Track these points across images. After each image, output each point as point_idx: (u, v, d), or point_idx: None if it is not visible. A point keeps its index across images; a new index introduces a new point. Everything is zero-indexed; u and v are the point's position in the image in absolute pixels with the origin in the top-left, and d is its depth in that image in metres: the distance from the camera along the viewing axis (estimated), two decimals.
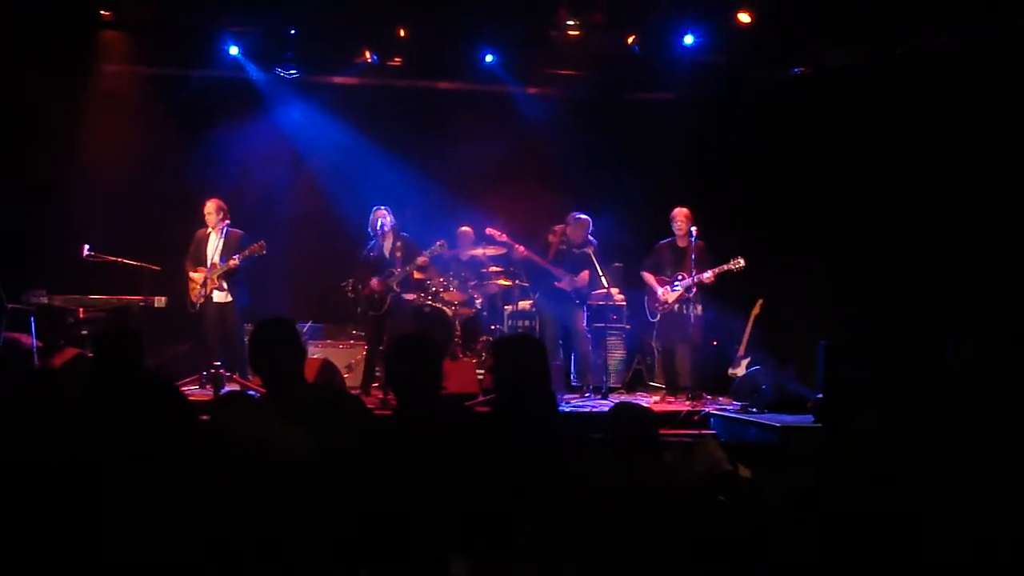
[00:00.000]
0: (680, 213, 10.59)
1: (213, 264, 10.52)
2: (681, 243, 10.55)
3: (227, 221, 10.63)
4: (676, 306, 10.52)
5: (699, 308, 10.42)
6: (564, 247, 10.69)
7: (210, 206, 10.62)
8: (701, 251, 10.40)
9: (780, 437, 8.59)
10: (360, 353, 11.01)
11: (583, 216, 10.71)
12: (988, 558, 3.07)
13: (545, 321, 11.00)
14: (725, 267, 10.28)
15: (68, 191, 11.51)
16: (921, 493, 3.20)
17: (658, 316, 10.69)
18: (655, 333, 10.89)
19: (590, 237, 10.70)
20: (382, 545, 3.42)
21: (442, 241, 10.87)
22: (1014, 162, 9.30)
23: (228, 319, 10.57)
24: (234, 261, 10.41)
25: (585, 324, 10.95)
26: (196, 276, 10.55)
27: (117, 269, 10.74)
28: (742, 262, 10.23)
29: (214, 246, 10.59)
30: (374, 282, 10.59)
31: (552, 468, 3.44)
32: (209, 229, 10.63)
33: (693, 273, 10.27)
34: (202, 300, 10.50)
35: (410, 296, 11.04)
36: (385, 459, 3.80)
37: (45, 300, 10.35)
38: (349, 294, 10.89)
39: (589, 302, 11.13)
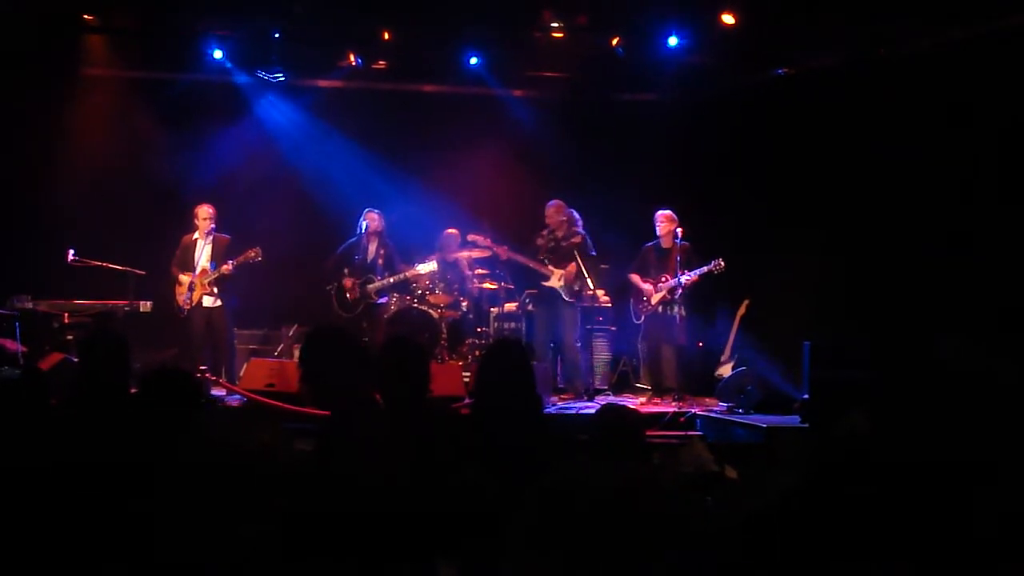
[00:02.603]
0: (663, 216, 10.59)
1: (203, 270, 10.47)
2: (665, 244, 10.55)
3: (213, 225, 10.60)
4: (660, 308, 10.53)
5: (682, 310, 10.40)
6: (552, 243, 10.68)
7: (204, 211, 10.54)
8: (686, 253, 10.40)
9: (767, 438, 8.61)
10: None
11: (553, 201, 10.70)
12: (975, 557, 3.09)
13: (534, 322, 11.01)
14: (706, 269, 10.28)
15: (52, 196, 11.47)
16: (906, 493, 3.21)
17: (642, 318, 10.71)
18: (640, 335, 10.91)
19: (576, 228, 10.65)
20: (369, 548, 3.42)
21: (434, 264, 10.92)
22: (998, 163, 9.34)
23: (217, 323, 10.54)
24: (228, 267, 10.37)
25: (576, 330, 10.73)
26: (184, 281, 10.49)
27: (102, 273, 10.72)
28: (722, 264, 10.23)
29: (202, 251, 10.55)
30: (347, 281, 10.67)
31: (538, 470, 3.44)
32: (196, 234, 10.60)
33: (678, 274, 10.28)
34: (190, 305, 10.45)
35: (383, 300, 11.03)
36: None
37: (30, 305, 10.33)
38: (334, 298, 10.90)
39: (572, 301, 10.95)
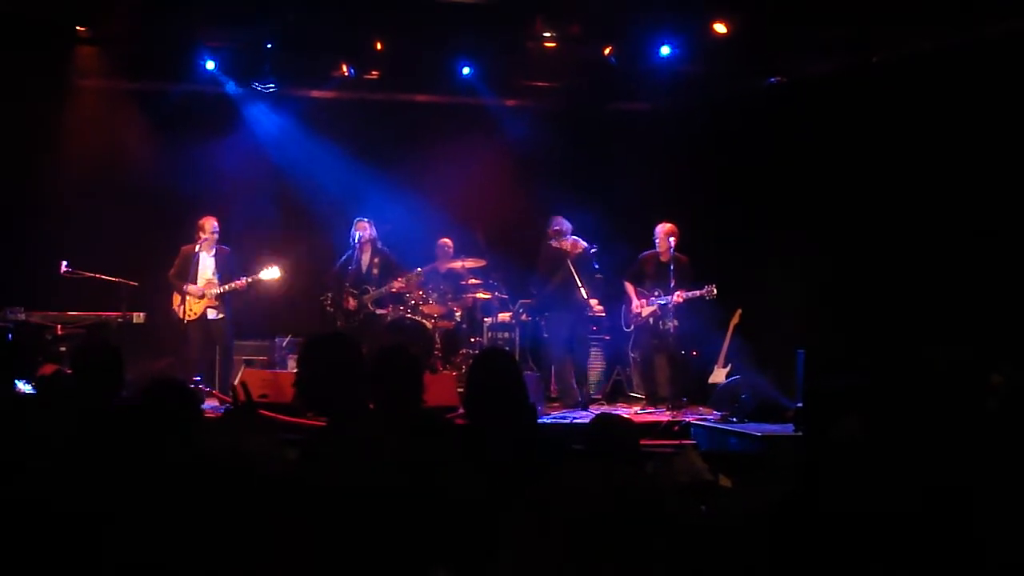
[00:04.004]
0: (664, 230, 10.58)
1: (208, 281, 10.45)
2: (664, 258, 10.56)
3: (212, 237, 10.58)
4: (650, 319, 10.57)
5: (674, 322, 10.43)
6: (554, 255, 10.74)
7: (211, 224, 10.53)
8: (683, 265, 10.43)
9: (761, 446, 8.60)
10: None
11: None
12: (971, 563, 3.09)
13: (530, 332, 11.26)
14: (698, 293, 10.29)
15: (45, 207, 11.47)
16: (901, 500, 3.21)
17: (632, 326, 10.75)
18: (631, 343, 10.95)
19: (557, 241, 10.66)
20: (363, 558, 3.41)
21: (419, 270, 10.94)
22: (992, 167, 9.35)
23: (218, 335, 10.55)
24: (242, 283, 10.38)
25: (569, 339, 10.77)
26: (192, 292, 10.44)
27: (95, 285, 10.71)
28: (715, 292, 10.25)
29: (205, 263, 10.53)
30: (345, 294, 10.68)
31: (533, 479, 3.44)
32: (198, 246, 10.56)
33: (671, 289, 10.28)
34: (193, 317, 10.41)
35: (383, 311, 11.05)
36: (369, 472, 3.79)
37: (23, 316, 10.31)
38: (328, 308, 10.89)
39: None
